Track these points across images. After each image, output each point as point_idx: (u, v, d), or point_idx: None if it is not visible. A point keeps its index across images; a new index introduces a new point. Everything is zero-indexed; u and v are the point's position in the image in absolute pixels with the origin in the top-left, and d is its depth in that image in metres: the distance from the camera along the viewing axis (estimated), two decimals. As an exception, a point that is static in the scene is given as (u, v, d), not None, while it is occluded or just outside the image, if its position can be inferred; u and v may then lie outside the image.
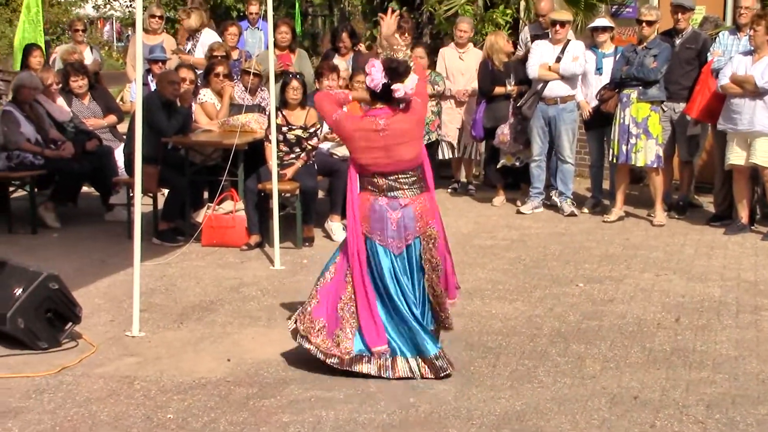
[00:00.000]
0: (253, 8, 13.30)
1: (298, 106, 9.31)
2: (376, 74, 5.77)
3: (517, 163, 11.04)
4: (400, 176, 5.90)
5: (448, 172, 12.40)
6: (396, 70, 5.74)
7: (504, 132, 10.82)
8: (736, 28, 10.30)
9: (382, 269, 5.87)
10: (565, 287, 7.85)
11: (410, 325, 5.82)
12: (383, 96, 5.83)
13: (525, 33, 11.93)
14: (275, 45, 11.36)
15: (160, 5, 14.08)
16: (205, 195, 10.11)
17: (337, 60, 11.19)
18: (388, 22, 6.19)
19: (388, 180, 5.89)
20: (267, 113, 9.53)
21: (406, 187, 5.91)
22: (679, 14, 10.46)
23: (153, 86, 10.59)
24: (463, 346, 6.39)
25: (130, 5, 25.50)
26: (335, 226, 9.55)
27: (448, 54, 11.66)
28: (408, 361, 5.82)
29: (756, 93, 9.38)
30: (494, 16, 12.72)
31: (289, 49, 11.46)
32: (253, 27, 13.04)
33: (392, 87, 5.74)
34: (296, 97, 9.29)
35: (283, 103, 9.25)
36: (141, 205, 7.00)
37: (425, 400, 5.50)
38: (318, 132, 9.37)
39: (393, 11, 6.34)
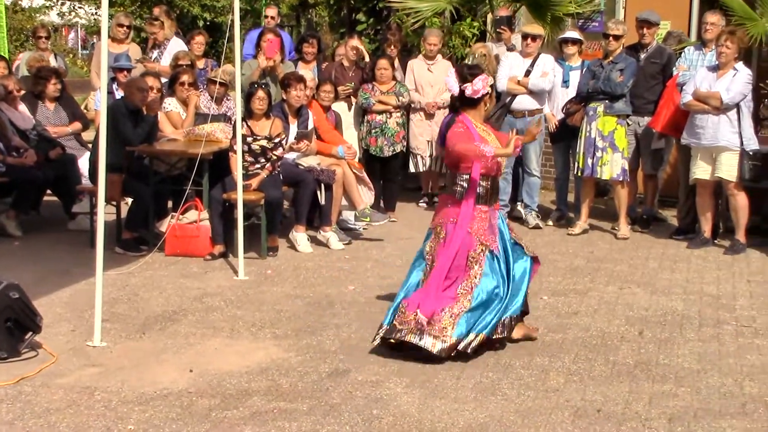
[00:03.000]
0: (271, 12, 13.16)
1: (263, 116, 9.30)
2: (452, 84, 6.59)
3: None
4: (491, 180, 6.56)
5: (416, 184, 12.42)
6: (464, 75, 6.55)
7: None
8: (702, 43, 10.39)
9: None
10: (530, 300, 7.82)
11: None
12: (464, 101, 6.59)
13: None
14: (261, 54, 11.38)
15: (128, 15, 13.96)
16: (170, 204, 10.04)
17: (301, 68, 11.17)
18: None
19: (488, 183, 6.55)
20: (232, 123, 9.50)
21: (495, 192, 6.65)
22: (645, 29, 10.54)
23: (118, 94, 10.53)
24: (428, 358, 6.38)
25: (96, 13, 25.37)
26: (300, 236, 9.54)
27: (417, 66, 11.68)
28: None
29: (720, 109, 9.46)
30: (461, 29, 12.76)
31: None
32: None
33: (462, 87, 6.51)
34: (262, 108, 9.27)
35: (248, 114, 9.23)
36: (104, 213, 6.95)
37: (389, 412, 5.49)
38: (283, 142, 9.35)
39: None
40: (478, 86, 6.52)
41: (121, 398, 5.64)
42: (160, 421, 5.32)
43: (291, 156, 9.71)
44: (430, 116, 11.55)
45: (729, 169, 9.54)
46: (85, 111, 12.10)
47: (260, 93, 9.27)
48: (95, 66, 12.45)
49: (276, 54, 11.05)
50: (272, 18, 13.04)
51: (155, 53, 12.25)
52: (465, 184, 6.52)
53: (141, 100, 9.49)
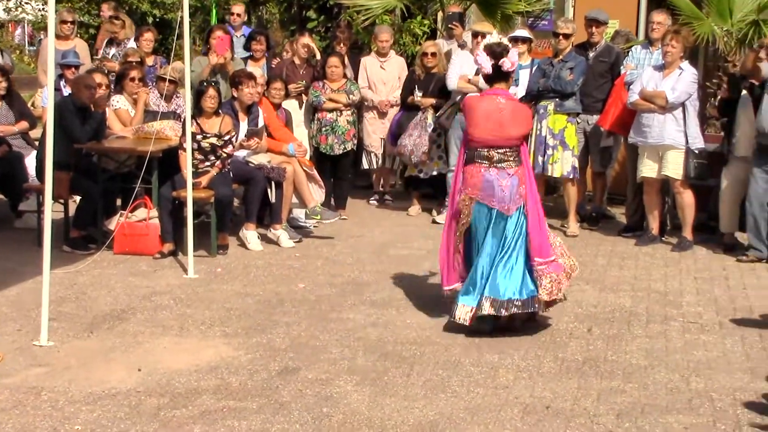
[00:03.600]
0: (237, 9, 13.02)
1: (213, 113, 9.25)
2: (484, 62, 6.98)
3: (421, 175, 11.09)
4: (507, 150, 6.93)
5: (366, 182, 12.42)
6: (496, 52, 6.96)
7: (403, 143, 10.86)
8: (649, 42, 10.49)
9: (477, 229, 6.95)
10: (480, 297, 7.89)
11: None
12: (497, 76, 7.01)
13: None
14: (211, 51, 11.29)
15: (71, 10, 13.80)
16: (118, 202, 9.96)
17: (251, 65, 11.11)
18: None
19: (498, 152, 6.90)
20: (182, 120, 9.44)
21: (512, 159, 6.95)
22: (593, 28, 10.63)
23: (65, 91, 10.41)
24: (378, 355, 6.40)
25: (43, 9, 25.06)
26: (250, 234, 9.50)
27: (369, 64, 11.67)
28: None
29: (666, 108, 9.55)
30: (412, 27, 12.78)
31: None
32: (237, 34, 12.59)
33: (499, 63, 6.93)
34: (213, 106, 9.23)
35: (198, 111, 9.17)
36: (52, 212, 6.88)
37: (339, 410, 5.49)
38: (233, 140, 9.31)
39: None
40: (514, 58, 7.05)
41: (69, 398, 5.58)
42: (108, 420, 5.28)
43: (241, 154, 9.67)
44: (382, 114, 11.56)
45: (675, 167, 9.65)
46: (32, 108, 11.93)
47: (211, 91, 9.22)
48: (42, 63, 12.32)
49: (227, 51, 10.99)
50: (238, 15, 12.94)
51: (113, 51, 12.10)
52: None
53: (88, 97, 9.40)
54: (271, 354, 6.41)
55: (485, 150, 6.94)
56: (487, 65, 7.00)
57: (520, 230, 6.92)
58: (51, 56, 6.85)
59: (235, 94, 9.73)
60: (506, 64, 6.98)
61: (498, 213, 6.89)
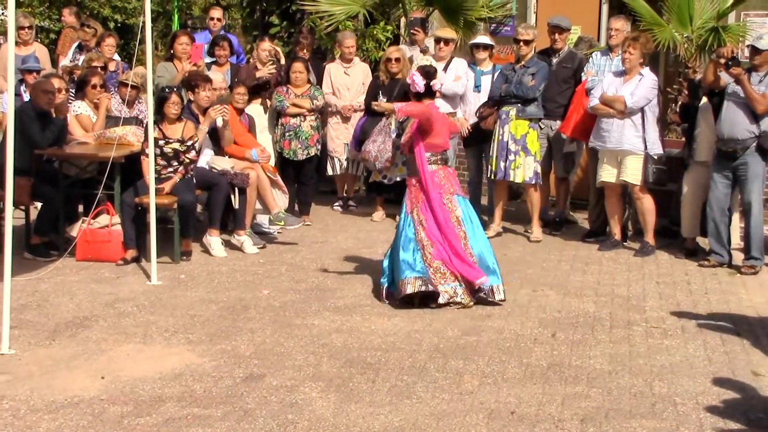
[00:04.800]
0: (216, 13, 12.84)
1: (175, 119, 9.20)
2: (418, 81, 7.99)
3: (385, 180, 11.08)
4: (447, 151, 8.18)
5: (330, 187, 12.39)
6: (429, 72, 8.05)
7: (366, 149, 10.85)
8: (609, 48, 10.55)
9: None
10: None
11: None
12: (427, 94, 8.03)
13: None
14: (176, 57, 11.23)
15: (27, 16, 13.66)
16: (80, 209, 9.89)
17: (214, 70, 11.07)
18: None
19: (446, 154, 8.14)
20: (144, 126, 9.38)
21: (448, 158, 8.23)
22: (556, 34, 10.68)
23: (26, 97, 10.32)
24: (343, 362, 6.39)
25: (2, 13, 24.83)
26: (213, 240, 9.46)
27: (333, 69, 11.66)
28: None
29: (624, 113, 9.61)
30: (375, 32, 12.78)
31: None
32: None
33: (431, 83, 8.01)
34: (176, 112, 9.18)
35: (160, 117, 9.11)
36: (12, 218, 6.81)
37: (304, 416, 5.47)
38: (195, 145, 9.26)
39: None
40: (443, 80, 8.65)
41: (30, 406, 5.53)
42: (71, 429, 5.23)
43: (204, 159, 9.63)
44: (346, 119, 11.55)
45: (633, 172, 9.71)
46: (-9, 114, 11.82)
47: (174, 97, 9.18)
48: (1, 68, 12.19)
49: (200, 59, 10.97)
50: (218, 20, 12.78)
51: (82, 58, 11.97)
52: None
53: (47, 102, 9.31)
54: (236, 361, 6.38)
55: (443, 153, 8.02)
56: (421, 84, 7.99)
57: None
58: (11, 61, 6.78)
59: (192, 98, 9.65)
60: (437, 84, 8.10)
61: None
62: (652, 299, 8.18)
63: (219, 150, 9.83)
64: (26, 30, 12.38)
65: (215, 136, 9.72)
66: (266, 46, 11.43)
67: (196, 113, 9.63)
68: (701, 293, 8.43)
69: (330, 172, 11.81)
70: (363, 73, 11.67)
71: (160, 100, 9.15)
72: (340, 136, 11.60)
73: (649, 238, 9.88)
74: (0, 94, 12.39)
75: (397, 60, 11.06)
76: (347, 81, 11.58)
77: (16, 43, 11.61)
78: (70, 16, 13.73)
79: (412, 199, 7.96)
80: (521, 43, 10.39)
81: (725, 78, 9.18)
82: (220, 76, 10.57)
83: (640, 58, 9.72)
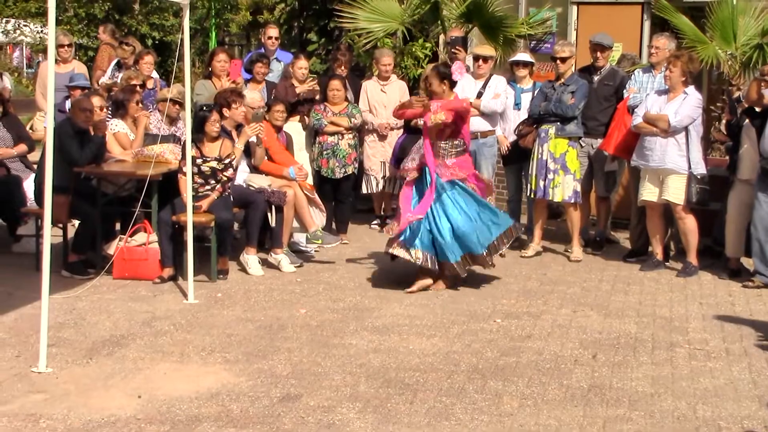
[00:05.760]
0: (273, 32, 12.69)
1: (213, 137, 9.25)
2: (459, 68, 9.27)
3: None
4: None
5: (368, 205, 12.40)
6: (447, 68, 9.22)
7: (406, 166, 10.82)
8: (651, 66, 10.50)
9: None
10: (483, 323, 7.89)
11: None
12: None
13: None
14: (214, 74, 11.29)
15: (67, 33, 13.81)
16: (117, 226, 9.95)
17: (250, 88, 11.09)
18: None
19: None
20: (182, 143, 9.44)
21: None
22: (598, 52, 10.64)
23: (71, 114, 10.41)
24: (381, 382, 6.38)
25: (41, 31, 25.13)
26: (251, 259, 9.48)
27: (370, 87, 11.68)
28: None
29: (668, 132, 9.56)
30: (414, 50, 12.80)
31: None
32: (271, 56, 12.39)
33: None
34: (217, 130, 9.23)
35: (198, 135, 9.14)
36: (51, 236, 6.87)
37: (341, 438, 5.46)
38: (233, 163, 9.30)
39: None
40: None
41: (67, 426, 5.56)
42: (108, 448, 5.25)
43: (241, 177, 9.67)
44: (383, 137, 11.56)
45: (676, 192, 9.64)
46: (30, 131, 11.94)
47: (215, 116, 9.24)
48: (41, 86, 12.34)
49: (239, 76, 11.02)
50: (276, 39, 12.63)
51: (120, 76, 12.05)
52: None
53: (85, 120, 9.38)
54: (273, 380, 6.38)
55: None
56: (463, 70, 9.46)
57: None
58: (51, 78, 6.84)
59: (227, 114, 9.64)
60: (455, 75, 9.22)
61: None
62: (695, 320, 8.11)
63: (251, 168, 9.87)
64: (66, 48, 12.52)
65: (247, 153, 9.76)
66: (302, 63, 11.46)
67: (229, 130, 9.66)
68: (746, 314, 8.34)
69: (365, 190, 11.79)
70: (400, 90, 11.67)
71: (201, 120, 9.19)
72: (376, 155, 11.60)
73: (692, 258, 9.79)
74: (39, 111, 12.55)
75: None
76: (384, 99, 11.59)
77: (56, 61, 11.73)
78: (105, 34, 13.84)
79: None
80: (558, 61, 10.36)
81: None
82: (257, 95, 10.61)
83: (682, 76, 9.65)
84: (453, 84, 9.26)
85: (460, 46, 11.73)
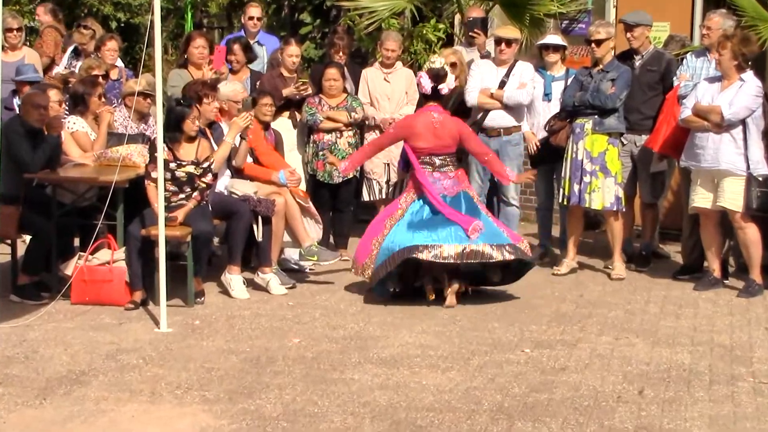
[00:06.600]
0: (254, 11, 12.79)
1: (189, 138, 9.22)
2: (426, 83, 9.53)
3: None
4: (446, 156, 9.57)
5: (371, 215, 12.34)
6: (438, 75, 9.51)
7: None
8: (706, 48, 10.47)
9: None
10: (509, 353, 7.86)
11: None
12: (433, 97, 9.59)
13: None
14: (191, 62, 11.30)
15: (16, 16, 13.72)
16: (77, 242, 9.95)
17: (231, 79, 11.07)
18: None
19: (437, 158, 9.53)
20: (151, 143, 9.38)
21: (450, 163, 9.62)
22: (630, 32, 10.60)
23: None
24: (388, 424, 6.36)
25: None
26: (234, 279, 9.47)
27: (371, 76, 11.65)
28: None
29: (721, 126, 9.52)
30: (424, 32, 12.78)
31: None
32: (252, 40, 12.50)
33: (439, 87, 9.51)
34: (196, 129, 9.21)
35: (173, 135, 9.10)
36: (-3, 254, 6.87)
37: (342, 491, 5.43)
38: (212, 167, 9.27)
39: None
40: (451, 85, 9.71)
41: (18, 479, 5.54)
42: (65, 505, 5.23)
43: (223, 183, 9.65)
44: (387, 135, 11.53)
45: (733, 197, 9.60)
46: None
47: (195, 111, 9.22)
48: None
49: (223, 65, 11.03)
50: (258, 19, 12.73)
51: (79, 65, 12.02)
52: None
53: (38, 118, 9.37)
54: (261, 423, 6.37)
55: (428, 157, 9.50)
56: (428, 86, 9.52)
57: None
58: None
59: (197, 110, 9.59)
60: (444, 89, 9.57)
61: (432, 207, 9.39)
62: (760, 349, 8.08)
63: (233, 171, 9.85)
64: (14, 33, 12.51)
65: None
66: (293, 50, 11.44)
67: (203, 129, 9.63)
68: (820, 341, 8.33)
69: (367, 197, 11.75)
70: (406, 80, 11.63)
71: (178, 116, 9.15)
72: (379, 155, 11.54)
73: (755, 275, 9.77)
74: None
75: (453, 65, 10.98)
76: (387, 89, 11.58)
77: (2, 48, 11.74)
78: (46, 15, 13.77)
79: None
80: (593, 44, 10.34)
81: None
82: (239, 86, 10.57)
83: (734, 60, 9.62)
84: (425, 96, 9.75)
85: (479, 29, 11.72)
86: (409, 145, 9.60)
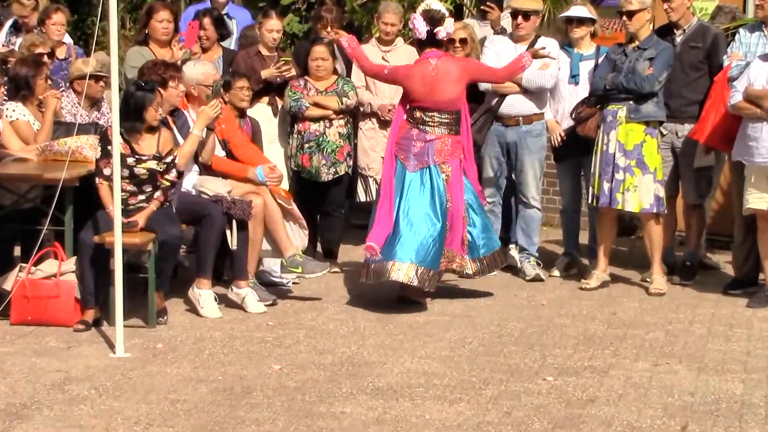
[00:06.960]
0: None
1: (151, 129, 9.21)
2: (420, 26, 9.78)
3: None
4: (435, 114, 9.81)
5: (364, 219, 12.35)
6: (434, 18, 9.77)
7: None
8: (762, 22, 10.47)
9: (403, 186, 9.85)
10: (528, 382, 7.87)
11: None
12: (430, 42, 9.89)
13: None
14: (153, 39, 11.29)
15: None
16: (17, 251, 9.96)
17: (203, 59, 11.07)
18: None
19: (424, 115, 9.81)
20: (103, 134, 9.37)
21: (437, 125, 9.81)
22: (665, 3, 10.57)
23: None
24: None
25: None
26: (204, 294, 9.46)
27: (368, 53, 11.64)
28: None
29: (776, 113, 9.55)
30: (429, 3, 12.78)
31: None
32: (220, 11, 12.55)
33: (435, 30, 9.75)
34: (159, 117, 9.20)
35: (131, 125, 9.09)
36: None
37: None
38: (176, 162, 9.24)
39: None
40: (450, 29, 9.99)
41: None
42: None
43: (191, 181, 9.64)
44: (384, 124, 11.50)
45: (794, 197, 9.64)
46: None
47: (158, 97, 9.20)
48: None
49: (195, 43, 11.05)
50: None
51: (20, 41, 12.03)
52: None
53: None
54: (234, 465, 6.38)
55: (414, 110, 9.89)
56: (423, 30, 9.80)
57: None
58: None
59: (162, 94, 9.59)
60: (441, 32, 9.81)
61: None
62: (825, 377, 8.10)
63: (201, 167, 9.84)
64: None
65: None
66: (274, 24, 11.44)
67: (165, 117, 9.60)
68: None
69: (362, 197, 11.75)
70: (408, 58, 11.62)
71: (139, 102, 9.12)
72: (376, 148, 11.54)
73: (821, 290, 9.80)
74: None
75: (463, 41, 11.00)
76: (386, 70, 11.58)
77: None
78: None
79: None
80: (625, 16, 10.33)
81: None
82: (211, 67, 10.56)
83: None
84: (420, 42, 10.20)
85: (493, 3, 11.73)
86: (401, 103, 10.05)
